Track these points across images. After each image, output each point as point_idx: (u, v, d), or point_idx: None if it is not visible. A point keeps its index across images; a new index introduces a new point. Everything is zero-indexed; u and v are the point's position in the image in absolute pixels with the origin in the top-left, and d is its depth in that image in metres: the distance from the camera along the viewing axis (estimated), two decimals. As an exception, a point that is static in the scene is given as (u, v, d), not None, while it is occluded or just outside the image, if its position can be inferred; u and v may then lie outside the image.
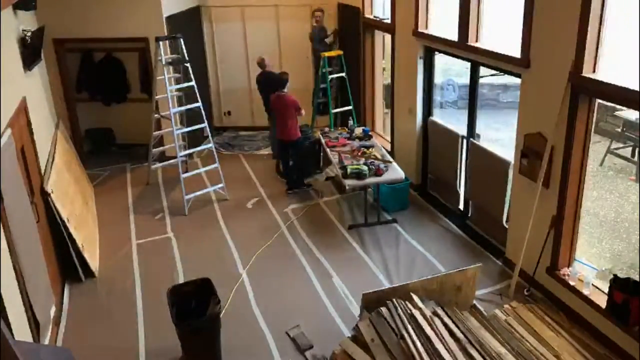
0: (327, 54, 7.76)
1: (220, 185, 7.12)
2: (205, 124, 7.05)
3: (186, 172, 7.14)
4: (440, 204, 6.64)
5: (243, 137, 9.20)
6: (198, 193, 6.97)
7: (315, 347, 4.44)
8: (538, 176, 4.66)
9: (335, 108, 8.30)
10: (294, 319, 4.78)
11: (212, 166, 7.18)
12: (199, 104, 6.94)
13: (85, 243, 5.51)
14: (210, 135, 7.24)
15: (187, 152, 7.31)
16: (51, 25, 6.67)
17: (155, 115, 7.37)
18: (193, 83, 6.93)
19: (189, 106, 7.09)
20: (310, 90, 8.32)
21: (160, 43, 6.76)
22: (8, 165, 3.96)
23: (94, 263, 5.57)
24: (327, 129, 7.60)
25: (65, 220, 5.20)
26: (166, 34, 7.33)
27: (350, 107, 7.91)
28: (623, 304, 4.01)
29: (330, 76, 7.84)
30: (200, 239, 6.21)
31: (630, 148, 8.00)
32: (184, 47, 6.87)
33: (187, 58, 6.93)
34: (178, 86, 7.19)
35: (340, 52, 8.00)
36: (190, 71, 6.91)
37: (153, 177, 7.72)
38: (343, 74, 7.91)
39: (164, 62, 6.82)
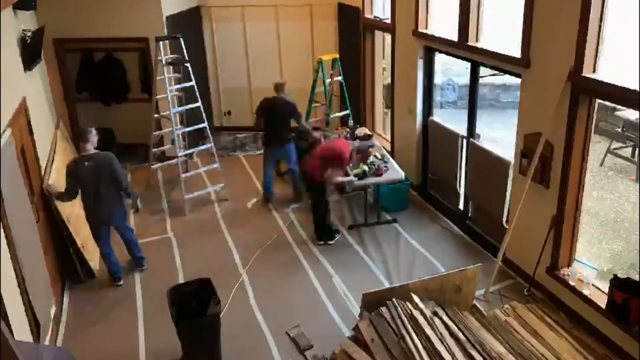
0: (323, 57, 7.72)
1: (220, 185, 7.12)
2: (205, 124, 7.05)
3: (186, 172, 7.14)
4: (440, 204, 6.64)
5: (243, 137, 9.20)
6: (198, 193, 6.97)
7: (315, 347, 4.44)
8: (529, 172, 4.67)
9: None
10: (294, 319, 4.78)
11: (212, 166, 7.18)
12: (199, 104, 6.94)
13: (85, 243, 5.51)
14: (210, 135, 7.24)
15: (187, 152, 7.31)
16: (51, 25, 6.67)
17: (155, 115, 7.37)
18: (193, 83, 6.93)
19: (189, 106, 7.08)
20: (309, 90, 8.31)
21: (160, 43, 6.75)
22: (8, 165, 3.96)
23: (94, 263, 5.56)
24: (327, 130, 7.59)
25: (65, 221, 5.20)
26: (166, 34, 7.33)
27: (347, 112, 7.89)
28: (623, 304, 4.01)
29: (328, 80, 7.81)
30: (200, 239, 6.21)
31: (630, 148, 8.00)
32: (184, 47, 6.87)
33: (187, 58, 6.92)
34: (178, 86, 7.18)
35: (336, 56, 7.95)
36: (190, 71, 6.91)
37: (153, 177, 7.72)
38: (340, 78, 7.88)
39: (164, 62, 6.81)
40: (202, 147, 7.34)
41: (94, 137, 5.08)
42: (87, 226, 5.38)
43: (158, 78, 6.96)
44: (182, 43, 6.86)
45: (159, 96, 7.19)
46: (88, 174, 4.91)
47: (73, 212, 5.59)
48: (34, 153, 5.18)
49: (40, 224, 4.76)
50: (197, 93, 7.01)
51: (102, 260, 5.47)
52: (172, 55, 7.29)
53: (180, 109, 7.21)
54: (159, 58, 6.78)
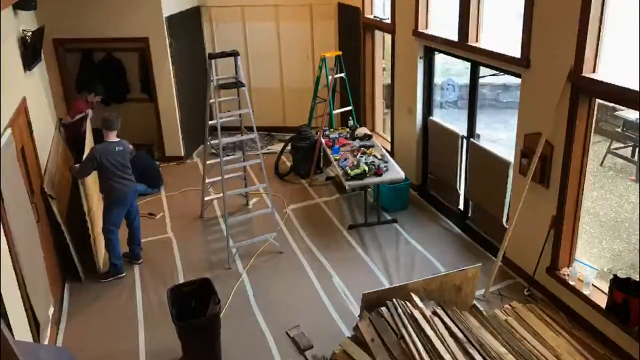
0: (327, 54, 7.75)
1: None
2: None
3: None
4: (440, 204, 6.64)
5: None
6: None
7: (315, 347, 4.44)
8: (529, 172, 4.68)
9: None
10: (294, 319, 4.78)
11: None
12: (255, 135, 6.05)
13: (96, 241, 5.57)
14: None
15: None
16: (51, 25, 6.67)
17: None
18: (249, 110, 5.96)
19: (242, 138, 6.29)
20: (309, 90, 8.31)
21: (213, 61, 5.86)
22: (8, 165, 3.96)
23: (101, 262, 5.62)
24: (326, 129, 7.59)
25: (86, 213, 5.33)
26: (166, 34, 7.25)
27: (350, 108, 7.91)
28: (623, 304, 4.01)
29: (330, 77, 7.83)
30: (200, 239, 6.21)
31: (630, 148, 8.00)
32: (240, 65, 5.94)
33: (243, 81, 5.94)
34: (229, 115, 6.15)
35: (339, 53, 7.98)
36: (248, 98, 6.02)
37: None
38: (342, 75, 7.92)
39: (215, 84, 5.87)
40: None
41: (119, 126, 5.43)
42: (100, 223, 5.50)
43: (211, 101, 6.04)
44: (239, 61, 5.92)
45: (211, 122, 6.12)
46: (119, 157, 5.33)
47: (92, 207, 5.67)
48: (34, 153, 5.18)
49: (40, 224, 4.76)
50: (254, 120, 6.09)
51: (106, 249, 5.54)
52: (224, 77, 6.31)
53: (232, 139, 6.34)
54: (211, 79, 5.89)
